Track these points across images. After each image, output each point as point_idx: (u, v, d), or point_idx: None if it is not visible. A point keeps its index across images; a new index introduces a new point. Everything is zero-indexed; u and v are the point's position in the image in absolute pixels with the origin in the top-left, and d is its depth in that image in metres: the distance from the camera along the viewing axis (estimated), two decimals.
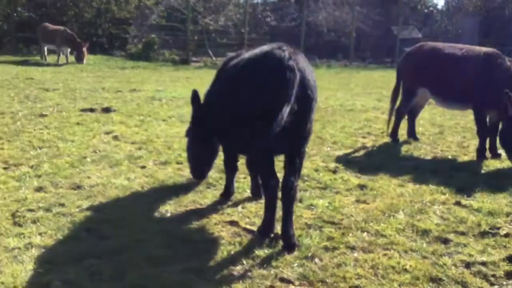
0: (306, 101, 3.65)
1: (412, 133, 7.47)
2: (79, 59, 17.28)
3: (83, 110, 8.71)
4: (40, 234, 3.76)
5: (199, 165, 4.91)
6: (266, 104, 3.49)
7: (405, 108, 7.33)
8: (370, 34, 27.37)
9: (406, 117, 7.46)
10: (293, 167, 3.77)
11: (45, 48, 18.19)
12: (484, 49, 6.76)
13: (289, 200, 3.73)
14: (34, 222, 3.97)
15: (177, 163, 5.83)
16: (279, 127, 3.46)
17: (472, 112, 6.67)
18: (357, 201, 4.73)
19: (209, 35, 23.67)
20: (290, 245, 3.67)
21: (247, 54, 4.01)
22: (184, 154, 6.05)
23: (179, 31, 23.70)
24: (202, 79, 15.27)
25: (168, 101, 10.25)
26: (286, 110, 3.44)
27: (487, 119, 6.53)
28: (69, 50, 17.61)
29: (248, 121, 3.60)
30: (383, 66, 22.98)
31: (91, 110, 8.75)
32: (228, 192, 4.74)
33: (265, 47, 3.80)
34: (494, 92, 6.03)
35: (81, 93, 10.74)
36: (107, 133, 7.14)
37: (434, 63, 6.83)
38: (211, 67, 20.16)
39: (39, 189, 4.72)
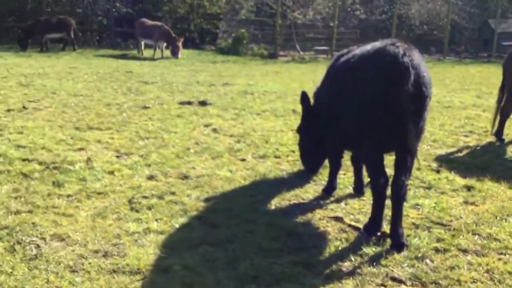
0: (420, 99, 3.58)
1: (500, 133, 6.94)
2: (174, 53, 17.94)
3: (182, 103, 9.06)
4: (156, 220, 3.99)
5: (313, 160, 4.98)
6: (380, 102, 3.51)
7: (510, 107, 6.93)
8: (466, 27, 26.09)
9: None
10: (405, 166, 3.68)
11: (142, 43, 19.05)
12: None
13: (399, 200, 3.67)
14: (149, 208, 4.22)
15: (275, 157, 5.92)
16: (393, 125, 3.48)
17: None
18: (465, 202, 4.58)
19: (297, 29, 23.66)
20: (399, 245, 3.62)
21: (358, 51, 3.97)
22: (282, 148, 6.20)
23: (267, 25, 23.91)
24: (290, 73, 15.38)
25: (260, 95, 10.40)
26: (401, 107, 3.43)
27: None
28: (164, 44, 18.32)
29: (361, 118, 3.64)
30: (480, 61, 21.83)
31: (189, 103, 9.08)
32: (331, 187, 4.77)
33: (377, 44, 3.76)
34: None
35: (177, 86, 11.17)
36: (206, 125, 7.38)
37: None
38: (299, 61, 20.21)
39: (150, 177, 4.99)
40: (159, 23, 18.94)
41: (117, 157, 5.67)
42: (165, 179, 4.97)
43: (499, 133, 6.97)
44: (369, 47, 3.82)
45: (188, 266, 3.28)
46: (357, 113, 3.69)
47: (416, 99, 3.52)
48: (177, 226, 3.90)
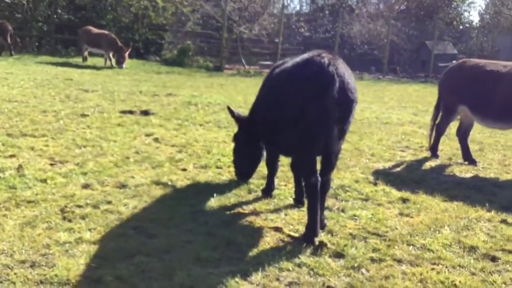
0: (346, 103, 3.87)
1: (467, 156, 7.02)
2: (120, 62, 17.55)
3: (123, 112, 8.85)
4: (89, 229, 3.83)
5: (245, 167, 5.13)
6: (309, 108, 3.73)
7: (445, 124, 7.18)
8: (404, 48, 27.19)
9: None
10: (330, 164, 4.09)
11: (87, 51, 18.49)
12: None
13: (323, 195, 4.09)
14: (83, 218, 4.05)
15: (217, 167, 5.87)
16: (322, 130, 3.79)
17: None
18: (401, 214, 4.69)
19: (243, 43, 23.84)
20: (322, 226, 4.07)
21: (290, 62, 4.21)
22: (223, 159, 6.16)
23: (213, 38, 23.96)
24: (235, 86, 15.43)
25: (204, 107, 10.34)
26: (328, 113, 3.73)
27: None
28: (111, 53, 17.91)
29: (293, 125, 3.84)
30: (417, 81, 22.77)
31: (131, 112, 8.89)
32: (268, 188, 4.97)
33: (305, 55, 4.04)
34: None
35: (119, 95, 10.92)
36: (148, 135, 7.24)
37: (477, 81, 6.67)
38: (244, 75, 20.32)
39: (86, 186, 4.81)
40: (106, 32, 18.53)
41: (51, 165, 5.44)
42: (102, 188, 4.80)
43: (433, 149, 7.21)
44: (298, 58, 4.07)
45: (121, 277, 3.16)
46: (289, 121, 3.87)
47: (343, 104, 3.81)
48: (111, 236, 3.76)
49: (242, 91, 13.55)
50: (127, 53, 17.63)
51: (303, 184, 4.24)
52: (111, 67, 17.64)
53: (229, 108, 5.06)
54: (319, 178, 3.91)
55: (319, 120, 3.75)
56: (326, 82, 3.69)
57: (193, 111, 9.73)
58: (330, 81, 3.68)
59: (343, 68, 3.85)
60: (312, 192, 3.91)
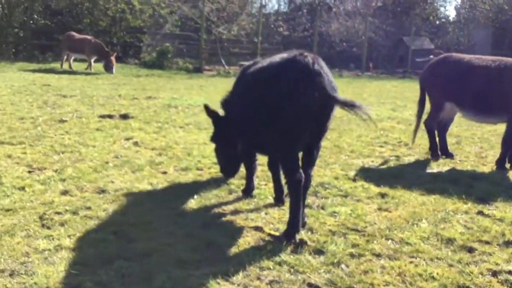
0: (329, 100, 3.88)
1: (445, 150, 7.04)
2: (109, 68, 17.30)
3: (102, 116, 8.80)
4: (69, 236, 3.81)
5: (228, 165, 5.19)
6: (295, 107, 3.76)
7: (433, 121, 7.01)
8: (382, 44, 27.45)
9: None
10: (312, 160, 4.17)
11: (71, 57, 18.20)
12: None
13: (306, 188, 4.12)
14: (62, 224, 4.02)
15: (197, 169, 5.88)
16: (308, 127, 3.87)
17: (507, 123, 6.44)
18: (379, 209, 4.75)
19: (222, 44, 23.84)
20: (302, 224, 4.11)
21: (266, 62, 4.22)
22: (204, 161, 6.17)
23: (192, 40, 23.92)
24: (215, 87, 15.42)
25: (184, 109, 10.34)
26: (313, 111, 3.80)
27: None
28: (93, 59, 17.66)
29: (278, 124, 3.85)
30: (395, 77, 23.00)
31: (110, 116, 8.84)
32: (248, 187, 5.03)
33: (285, 55, 4.05)
34: None
35: (98, 100, 10.86)
36: (127, 139, 7.21)
37: (463, 76, 6.59)
38: (224, 75, 20.32)
39: (64, 192, 4.78)
40: (88, 37, 18.32)
41: (29, 172, 5.39)
42: (81, 194, 4.77)
43: (433, 150, 6.98)
44: (277, 58, 4.07)
45: (101, 282, 3.15)
46: (273, 119, 3.86)
47: (326, 102, 3.85)
48: (91, 241, 3.74)
49: (222, 92, 13.36)
50: (113, 57, 17.43)
51: (283, 182, 4.28)
52: (101, 72, 17.44)
53: (206, 106, 4.98)
54: (303, 175, 3.95)
55: (304, 118, 3.80)
56: (313, 81, 3.74)
57: (173, 113, 9.72)
58: (316, 79, 3.74)
59: (325, 67, 3.93)
60: (296, 188, 3.93)
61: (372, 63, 26.38)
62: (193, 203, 4.71)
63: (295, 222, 3.96)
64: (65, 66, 18.22)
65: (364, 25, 25.73)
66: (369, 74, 24.04)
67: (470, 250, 3.90)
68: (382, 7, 29.08)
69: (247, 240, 3.94)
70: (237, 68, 22.69)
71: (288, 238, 3.89)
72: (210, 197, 4.90)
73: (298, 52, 3.96)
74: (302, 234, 4.00)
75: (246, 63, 5.08)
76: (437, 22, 32.88)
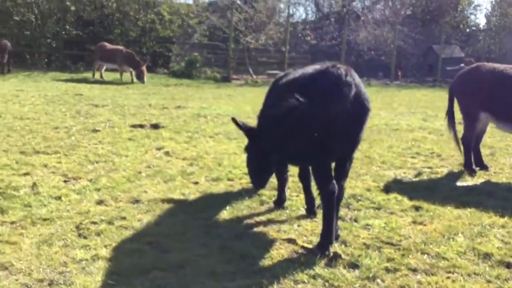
0: (363, 113, 3.94)
1: (479, 162, 6.82)
2: (140, 78, 17.65)
3: (133, 126, 8.93)
4: (105, 246, 3.87)
5: (259, 176, 5.10)
6: (329, 118, 3.76)
7: (470, 134, 6.72)
8: (411, 52, 27.17)
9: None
10: (344, 171, 4.17)
11: (103, 67, 18.60)
12: None
13: (339, 200, 4.11)
14: (98, 234, 4.09)
15: (228, 179, 5.91)
16: (340, 139, 3.88)
17: None
18: (414, 222, 4.69)
19: (250, 53, 23.97)
20: (336, 236, 4.09)
21: (299, 73, 4.22)
22: (235, 171, 6.20)
23: (220, 49, 24.11)
24: (244, 96, 15.50)
25: (213, 118, 10.41)
26: (348, 122, 3.81)
27: None
28: (125, 68, 17.94)
29: (311, 135, 3.84)
30: (425, 86, 22.70)
31: (141, 126, 8.97)
32: (280, 199, 5.02)
33: (317, 66, 4.06)
34: None
35: (129, 109, 11.03)
36: (158, 148, 7.29)
37: (498, 87, 6.41)
38: (252, 85, 20.41)
39: (100, 202, 4.86)
40: (120, 47, 18.70)
41: (65, 181, 5.50)
42: (115, 204, 4.84)
43: (468, 165, 6.74)
44: (310, 69, 4.09)
45: None
46: (306, 131, 3.86)
47: (359, 113, 3.89)
48: (127, 251, 3.79)
49: (250, 101, 13.60)
50: (144, 67, 17.72)
51: (315, 193, 4.26)
52: (132, 81, 17.71)
53: (234, 120, 4.90)
54: (336, 186, 3.94)
55: (336, 129, 3.81)
56: (346, 92, 3.75)
57: (203, 123, 9.80)
58: (349, 90, 3.76)
59: (358, 78, 3.95)
60: (329, 199, 3.92)
61: (401, 71, 26.13)
62: (225, 214, 4.74)
63: (328, 234, 3.94)
64: (97, 75, 18.58)
65: (393, 33, 25.53)
66: (398, 82, 23.81)
67: (508, 265, 3.81)
68: (411, 15, 28.80)
69: (280, 253, 3.93)
70: (264, 77, 22.78)
71: (322, 251, 3.87)
72: (242, 208, 4.91)
73: (331, 64, 3.98)
74: (336, 247, 3.97)
75: (278, 74, 5.09)
76: (467, 30, 32.35)
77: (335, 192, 3.92)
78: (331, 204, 3.93)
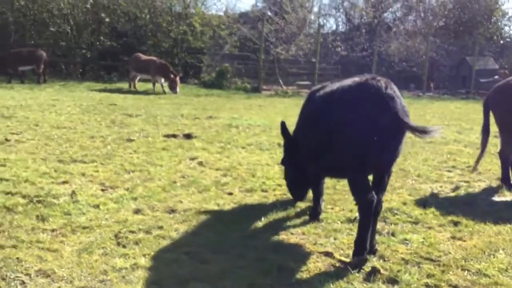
0: (403, 126, 3.88)
1: (507, 179, 6.59)
2: (173, 88, 17.86)
3: (167, 136, 9.03)
4: (144, 255, 3.91)
5: (298, 189, 5.18)
6: (368, 130, 3.78)
7: (508, 148, 6.49)
8: (444, 64, 26.80)
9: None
10: (383, 184, 4.14)
11: (137, 77, 18.92)
12: None
13: (377, 213, 4.07)
14: (136, 243, 4.14)
15: (262, 190, 5.91)
16: (379, 152, 3.85)
17: None
18: (453, 237, 4.59)
19: (280, 64, 24.03)
20: (373, 251, 4.06)
21: (338, 86, 4.21)
22: (268, 182, 6.20)
23: (250, 60, 24.25)
24: (274, 107, 15.52)
25: (245, 129, 10.45)
26: (388, 134, 3.82)
27: None
28: (162, 79, 18.20)
29: (350, 147, 3.88)
30: (458, 98, 22.32)
31: (174, 136, 9.06)
32: (316, 211, 4.99)
33: (357, 79, 4.06)
34: None
35: (162, 119, 11.16)
36: (192, 158, 7.35)
37: None
38: (282, 95, 20.44)
39: (137, 211, 4.92)
40: (154, 58, 19.02)
41: (102, 190, 5.59)
42: (152, 213, 4.90)
43: (506, 180, 6.53)
44: (349, 82, 4.09)
45: None
46: (346, 143, 3.90)
47: (399, 127, 3.85)
48: (165, 261, 3.82)
49: (281, 112, 13.62)
50: (178, 78, 17.96)
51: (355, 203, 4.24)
52: (164, 92, 17.97)
53: (283, 125, 4.95)
54: (375, 196, 3.92)
55: (376, 142, 3.79)
56: (387, 105, 3.77)
57: (235, 133, 9.84)
58: (390, 103, 3.77)
59: (397, 91, 3.94)
60: (366, 208, 3.90)
61: (433, 83, 25.78)
62: (260, 225, 4.74)
63: (362, 242, 3.93)
64: (133, 86, 18.92)
65: (425, 44, 25.22)
66: (430, 94, 23.48)
67: None
68: (443, 27, 28.44)
69: (317, 266, 3.91)
70: (294, 88, 22.80)
71: (358, 257, 3.88)
72: (277, 220, 4.91)
73: (370, 76, 4.00)
74: (374, 262, 3.92)
75: (314, 87, 5.10)
76: (501, 42, 31.73)
77: (373, 201, 3.89)
78: (368, 213, 3.91)
